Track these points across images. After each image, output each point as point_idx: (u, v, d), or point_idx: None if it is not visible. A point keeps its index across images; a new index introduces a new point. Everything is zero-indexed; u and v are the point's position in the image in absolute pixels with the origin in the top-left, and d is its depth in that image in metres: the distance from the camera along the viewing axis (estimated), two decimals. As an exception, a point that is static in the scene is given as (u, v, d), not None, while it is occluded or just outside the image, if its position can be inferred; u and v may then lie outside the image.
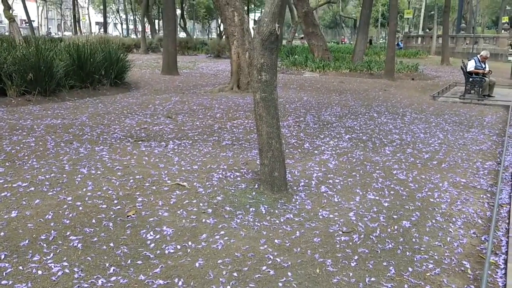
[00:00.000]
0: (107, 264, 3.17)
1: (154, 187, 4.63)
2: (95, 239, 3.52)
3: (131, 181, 4.77)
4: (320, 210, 4.29)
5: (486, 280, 3.13)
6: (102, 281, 2.97)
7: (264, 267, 3.25)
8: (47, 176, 4.82)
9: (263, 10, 4.46)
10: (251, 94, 10.68)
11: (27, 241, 3.44)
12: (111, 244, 3.45)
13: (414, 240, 3.79)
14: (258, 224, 3.94)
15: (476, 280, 3.24)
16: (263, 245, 3.58)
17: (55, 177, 4.82)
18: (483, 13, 65.46)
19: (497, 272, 3.36)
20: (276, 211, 4.21)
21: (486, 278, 3.15)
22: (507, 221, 4.24)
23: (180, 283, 3.00)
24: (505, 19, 40.47)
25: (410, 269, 3.33)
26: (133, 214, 3.97)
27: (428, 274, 3.28)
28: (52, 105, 9.39)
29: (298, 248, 3.56)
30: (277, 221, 4.01)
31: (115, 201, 4.23)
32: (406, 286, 3.11)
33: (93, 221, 3.82)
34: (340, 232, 3.87)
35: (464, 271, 3.35)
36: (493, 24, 69.83)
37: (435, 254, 3.57)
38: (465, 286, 3.15)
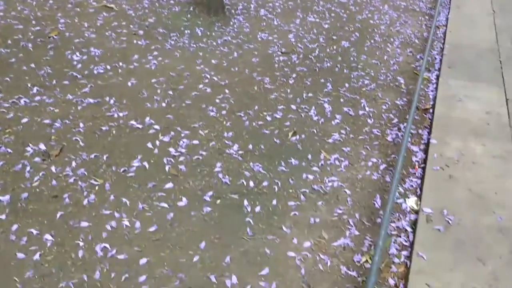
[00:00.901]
0: (29, 85, 2.93)
1: (78, 9, 4.18)
2: (13, 60, 3.20)
3: (51, 1, 4.27)
4: (259, 33, 4.10)
5: (418, 94, 3.21)
6: (24, 101, 2.76)
7: (201, 85, 3.14)
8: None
9: None
10: None
11: None
12: (32, 65, 3.16)
13: (352, 59, 3.76)
14: (194, 45, 3.73)
15: (409, 93, 3.32)
16: (200, 65, 3.43)
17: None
18: None
19: (428, 87, 3.46)
20: (213, 34, 3.98)
21: (419, 91, 3.23)
22: (442, 41, 4.27)
23: (112, 101, 2.86)
24: None
25: (346, 85, 3.34)
26: (55, 35, 3.61)
27: (364, 89, 3.32)
28: None
29: (236, 68, 3.44)
30: (214, 43, 3.81)
31: (33, 22, 3.80)
32: (341, 100, 3.14)
33: (9, 42, 3.43)
34: (279, 53, 3.76)
35: (398, 86, 3.42)
36: None
37: (372, 71, 3.59)
38: (398, 98, 3.24)
